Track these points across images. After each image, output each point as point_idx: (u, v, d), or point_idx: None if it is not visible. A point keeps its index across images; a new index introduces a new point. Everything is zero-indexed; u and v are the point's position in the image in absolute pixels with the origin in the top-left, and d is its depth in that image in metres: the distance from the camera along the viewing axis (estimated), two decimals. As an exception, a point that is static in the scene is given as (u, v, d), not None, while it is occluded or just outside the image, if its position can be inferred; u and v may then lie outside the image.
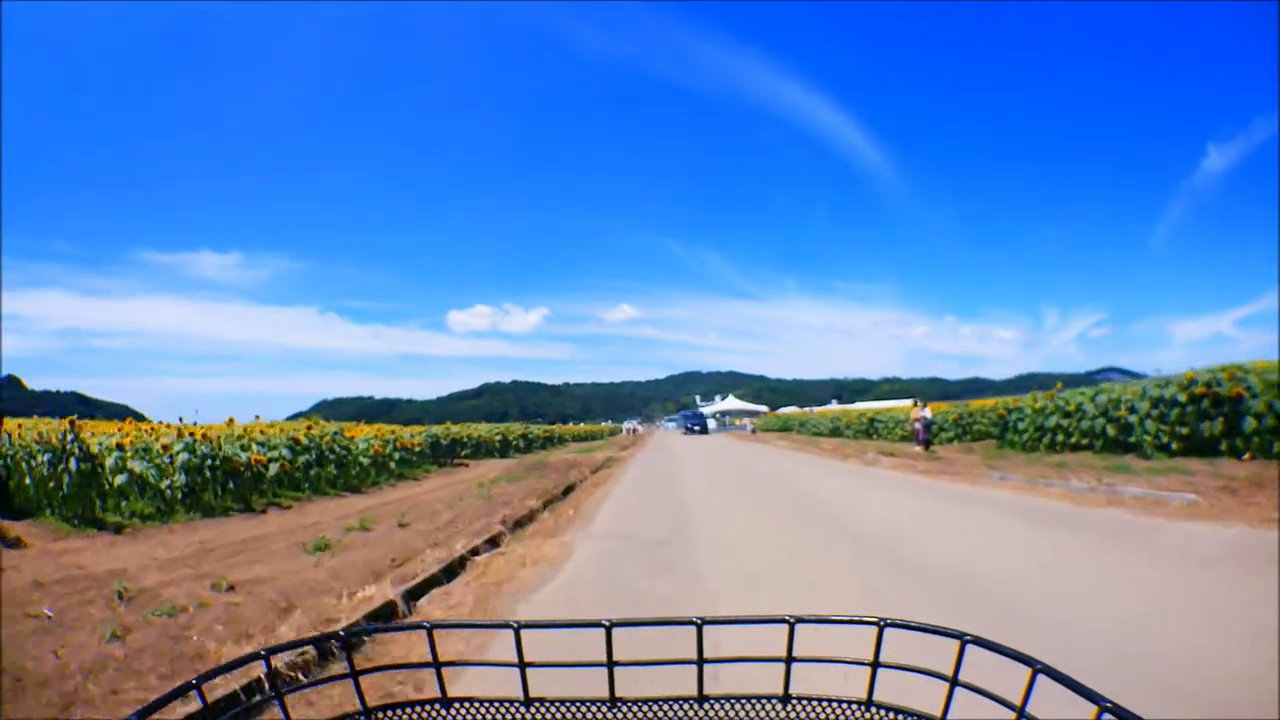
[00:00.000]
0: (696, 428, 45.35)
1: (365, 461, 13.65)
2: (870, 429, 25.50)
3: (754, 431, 46.36)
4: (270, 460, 11.20)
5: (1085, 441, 15.00)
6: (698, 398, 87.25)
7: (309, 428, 12.48)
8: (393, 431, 15.26)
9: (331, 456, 12.58)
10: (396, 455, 14.66)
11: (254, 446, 11.21)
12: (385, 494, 12.26)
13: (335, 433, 12.80)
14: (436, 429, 18.33)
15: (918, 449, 17.21)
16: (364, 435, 14.06)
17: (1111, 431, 14.42)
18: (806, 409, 48.98)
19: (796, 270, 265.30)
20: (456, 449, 19.17)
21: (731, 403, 74.82)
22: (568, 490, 10.14)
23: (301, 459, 11.93)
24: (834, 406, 50.18)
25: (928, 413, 17.34)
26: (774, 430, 43.28)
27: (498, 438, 22.90)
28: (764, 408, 75.72)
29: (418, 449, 16.79)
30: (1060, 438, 15.41)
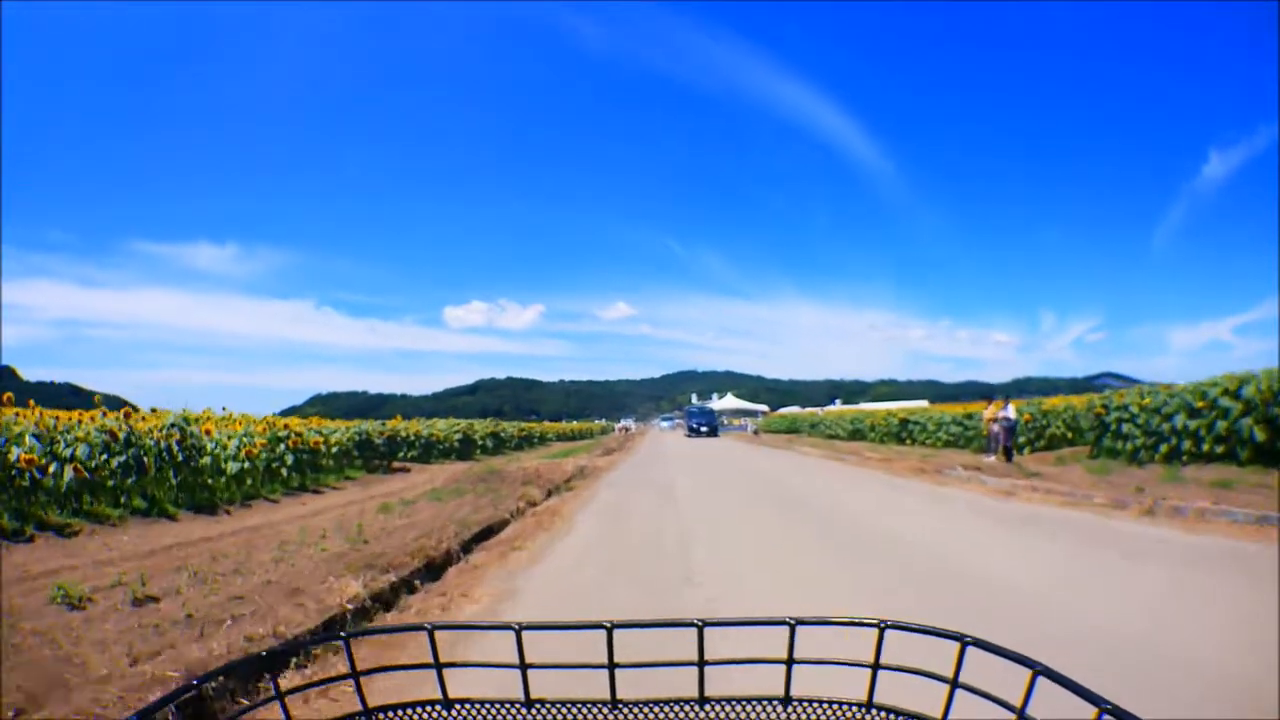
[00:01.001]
0: (704, 428, 35.74)
1: (235, 467, 9.70)
2: (902, 432, 21.62)
3: (756, 433, 42.48)
4: (57, 460, 7.41)
5: (1220, 449, 11.27)
6: (694, 396, 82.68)
7: (127, 414, 8.54)
8: (287, 425, 11.29)
9: (168, 460, 8.64)
10: (289, 459, 10.68)
11: (29, 440, 7.37)
12: (241, 518, 8.33)
13: (177, 424, 8.82)
14: (369, 425, 14.36)
15: (991, 459, 13.30)
16: (237, 430, 10.10)
17: (1260, 435, 10.73)
18: (814, 409, 44.84)
19: (794, 271, 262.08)
20: (396, 450, 15.19)
21: (730, 401, 70.60)
22: (476, 541, 6.02)
23: (115, 461, 8.04)
24: (839, 406, 46.35)
25: (1012, 412, 13.29)
26: (779, 432, 39.33)
27: (457, 437, 18.86)
28: (763, 407, 71.91)
29: (336, 449, 12.82)
30: (1187, 444, 11.61)
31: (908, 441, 21.09)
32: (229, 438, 9.98)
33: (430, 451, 16.48)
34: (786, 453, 20.00)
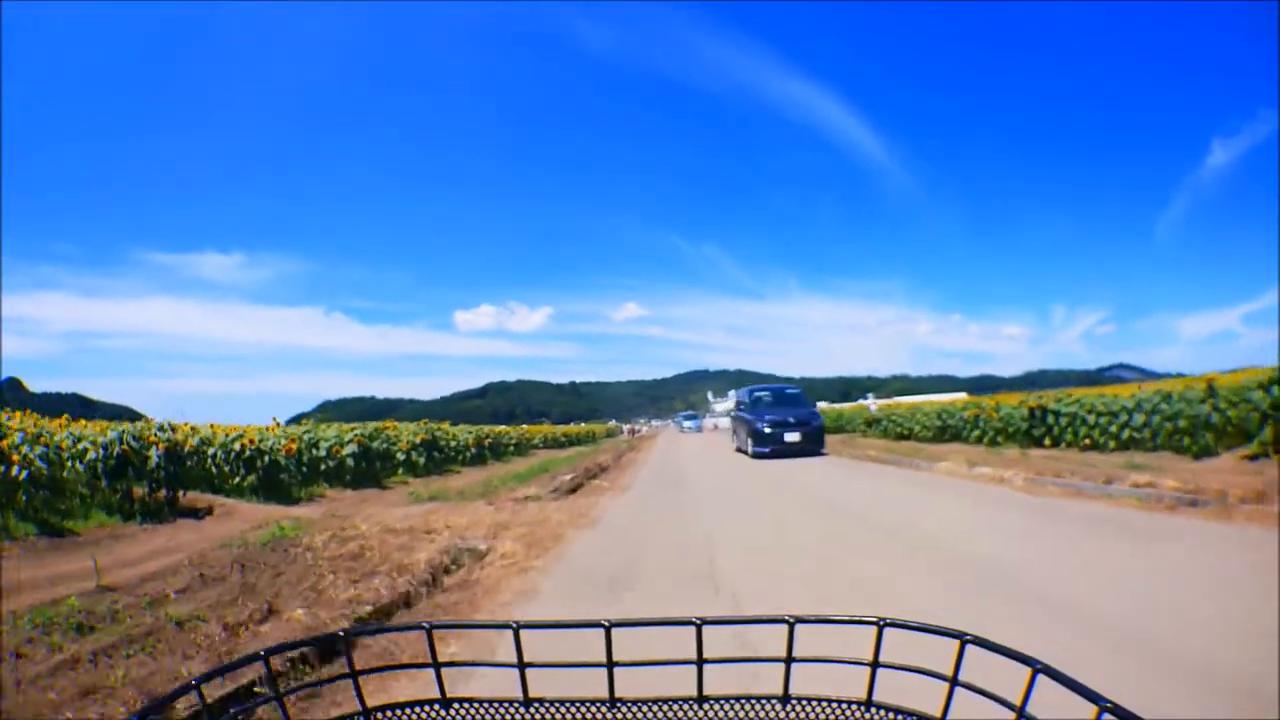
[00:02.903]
0: (790, 436, 14.24)
1: None
2: (1035, 428, 14.56)
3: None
4: None
5: None
6: (710, 394, 75.20)
7: None
8: None
9: None
10: None
11: None
12: None
13: None
14: (125, 428, 7.60)
15: None
16: None
17: None
18: (863, 402, 37.66)
19: (803, 269, 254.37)
20: (182, 476, 8.40)
21: (750, 399, 63.14)
22: None
23: None
24: (874, 400, 39.29)
25: None
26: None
27: (349, 450, 11.99)
28: (788, 405, 64.38)
29: (29, 473, 6.09)
30: None
31: (1046, 442, 14.06)
32: None
33: (271, 476, 9.61)
34: (1009, 494, 10.13)
